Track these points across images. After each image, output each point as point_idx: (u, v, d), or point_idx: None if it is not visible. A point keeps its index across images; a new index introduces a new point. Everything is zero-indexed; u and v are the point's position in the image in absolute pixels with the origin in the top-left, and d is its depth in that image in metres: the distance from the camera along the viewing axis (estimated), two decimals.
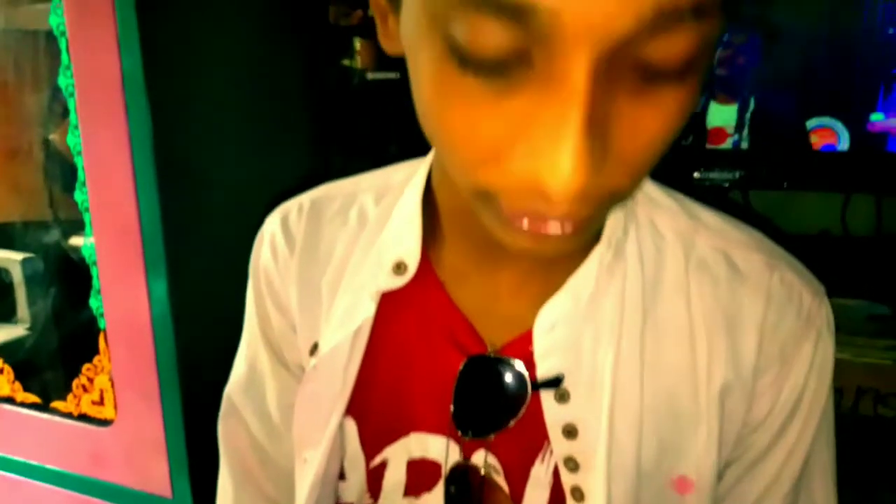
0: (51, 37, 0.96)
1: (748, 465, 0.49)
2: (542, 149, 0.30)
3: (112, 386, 1.05)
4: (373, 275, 0.53)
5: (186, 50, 0.96)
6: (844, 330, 0.76)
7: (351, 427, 0.54)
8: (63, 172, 1.04)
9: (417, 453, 0.53)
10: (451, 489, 0.51)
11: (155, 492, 1.05)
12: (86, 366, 1.06)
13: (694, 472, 0.47)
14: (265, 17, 1.12)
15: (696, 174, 1.06)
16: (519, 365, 0.49)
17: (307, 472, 0.55)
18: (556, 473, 0.49)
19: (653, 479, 0.47)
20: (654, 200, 0.51)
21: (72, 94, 0.95)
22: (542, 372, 0.48)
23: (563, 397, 0.48)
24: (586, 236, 0.37)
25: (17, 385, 1.15)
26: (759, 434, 0.49)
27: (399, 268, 0.51)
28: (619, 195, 0.35)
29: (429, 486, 0.53)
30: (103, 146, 0.93)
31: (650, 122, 0.31)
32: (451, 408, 0.51)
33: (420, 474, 0.53)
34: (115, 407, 1.05)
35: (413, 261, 0.51)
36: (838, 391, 0.77)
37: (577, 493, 0.47)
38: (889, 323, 0.77)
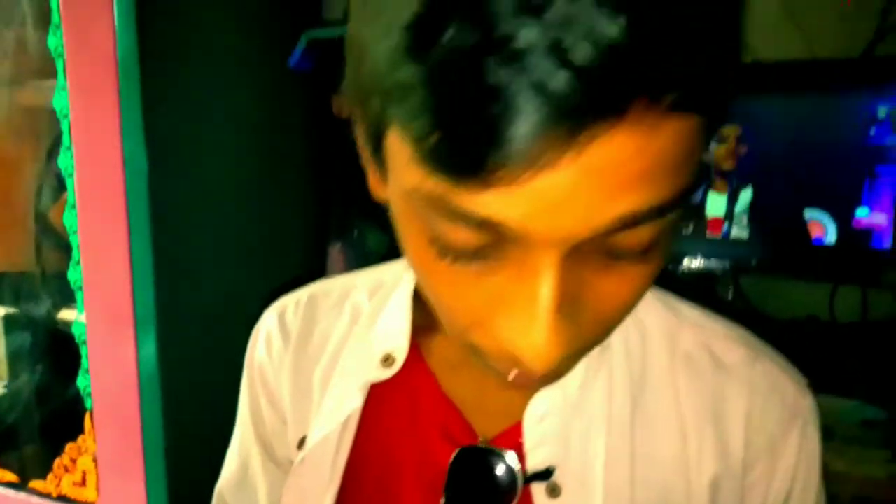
0: (53, 115, 0.97)
1: None
2: (518, 325, 0.32)
3: (96, 467, 1.02)
4: (362, 367, 0.53)
5: (189, 139, 0.97)
6: (839, 437, 0.76)
7: None
8: (57, 249, 1.04)
9: None
10: None
11: None
12: (69, 445, 1.04)
13: None
14: (270, 107, 1.13)
15: (691, 261, 1.08)
16: (510, 456, 0.48)
17: None
18: None
19: None
20: None
21: (71, 175, 0.95)
22: (534, 463, 0.48)
23: (554, 491, 0.47)
24: (564, 373, 0.39)
25: None
26: None
27: (387, 360, 0.52)
28: (592, 345, 0.37)
29: None
30: (100, 228, 0.93)
31: (617, 290, 0.34)
32: (443, 500, 0.50)
33: None
34: (98, 489, 1.02)
35: (401, 354, 0.52)
36: (833, 499, 0.78)
37: None
38: (884, 429, 0.78)
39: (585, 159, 0.27)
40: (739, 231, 1.05)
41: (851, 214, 1.01)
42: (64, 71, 0.92)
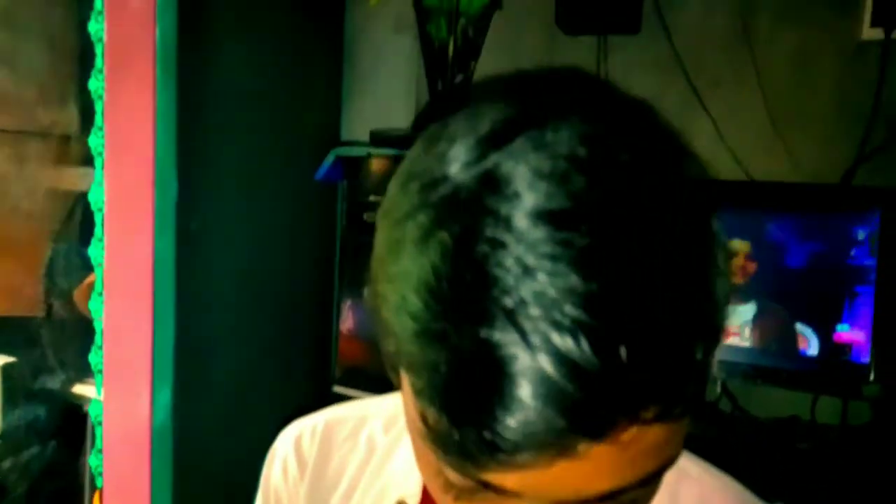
0: (87, 204, 1.03)
1: None
2: None
3: None
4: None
5: (213, 240, 1.03)
6: None
7: None
8: (79, 331, 1.09)
9: None
10: None
11: None
12: None
13: None
14: (292, 212, 1.20)
15: None
16: None
17: None
18: None
19: None
20: None
21: (100, 265, 1.00)
22: None
23: None
24: None
25: None
26: None
27: None
28: None
29: None
30: (126, 318, 0.98)
31: None
32: None
33: None
34: None
35: (413, 501, 0.54)
36: None
37: None
38: None
39: (571, 461, 0.30)
40: (740, 340, 1.12)
41: (832, 329, 1.08)
42: (102, 167, 0.98)
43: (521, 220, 0.29)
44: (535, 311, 0.29)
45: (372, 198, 1.02)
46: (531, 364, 0.29)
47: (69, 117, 1.11)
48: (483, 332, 0.29)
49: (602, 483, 0.32)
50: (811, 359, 1.08)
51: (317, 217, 1.31)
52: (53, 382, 1.17)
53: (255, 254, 1.14)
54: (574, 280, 0.29)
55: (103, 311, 1.00)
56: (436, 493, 0.38)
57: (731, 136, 1.22)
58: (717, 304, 0.32)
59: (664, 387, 0.30)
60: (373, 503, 0.57)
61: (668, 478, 0.55)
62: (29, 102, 1.14)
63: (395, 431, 0.60)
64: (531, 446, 0.30)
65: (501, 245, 0.29)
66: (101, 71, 0.98)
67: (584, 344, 0.28)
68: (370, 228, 0.92)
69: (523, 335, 0.29)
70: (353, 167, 1.04)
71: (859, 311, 1.07)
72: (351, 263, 1.09)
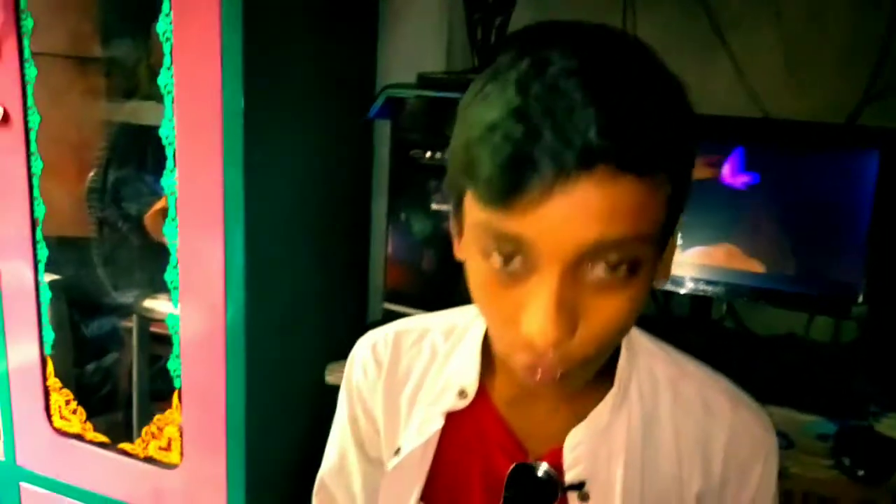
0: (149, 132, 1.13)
1: None
2: (530, 316, 0.50)
3: (181, 436, 1.21)
4: (442, 397, 0.70)
5: (277, 167, 1.14)
6: (798, 447, 0.96)
7: None
8: (155, 252, 1.21)
9: None
10: None
11: None
12: (157, 416, 1.23)
13: None
14: (337, 143, 1.30)
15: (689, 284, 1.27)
16: (553, 471, 0.66)
17: None
18: None
19: None
20: (651, 352, 0.70)
21: (173, 194, 1.12)
22: (570, 478, 0.66)
23: (584, 498, 0.65)
24: (576, 382, 0.56)
25: (88, 425, 1.31)
26: None
27: (462, 394, 0.69)
28: (589, 360, 0.54)
29: None
30: (199, 241, 1.11)
31: (609, 310, 0.51)
32: (502, 500, 0.69)
33: None
34: (182, 454, 1.22)
35: (472, 390, 0.69)
36: (787, 493, 0.98)
37: None
38: (832, 441, 0.98)
39: (569, 198, 0.45)
40: (747, 265, 1.24)
41: (830, 257, 1.20)
42: (172, 104, 1.08)
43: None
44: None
45: (416, 136, 1.12)
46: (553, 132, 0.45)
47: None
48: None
49: (590, 230, 0.46)
50: (809, 282, 1.20)
51: (357, 153, 1.42)
52: (127, 297, 1.31)
53: (308, 185, 1.25)
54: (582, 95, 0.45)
55: (178, 235, 1.13)
56: (483, 280, 0.53)
57: (749, 75, 1.30)
58: (691, 117, 0.49)
59: (635, 147, 0.45)
60: (438, 394, 0.72)
61: (673, 374, 0.69)
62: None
63: (453, 340, 0.75)
64: (544, 179, 0.45)
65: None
66: (168, 14, 1.06)
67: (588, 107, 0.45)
68: (415, 163, 1.08)
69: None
70: (400, 107, 1.14)
71: (854, 242, 1.18)
72: (397, 195, 1.20)
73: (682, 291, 1.28)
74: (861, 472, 0.89)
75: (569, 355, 0.51)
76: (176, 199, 1.12)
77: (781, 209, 1.21)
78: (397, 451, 0.72)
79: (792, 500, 0.97)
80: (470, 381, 0.69)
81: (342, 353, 1.24)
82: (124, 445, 1.28)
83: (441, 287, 1.17)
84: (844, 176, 1.16)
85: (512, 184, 0.46)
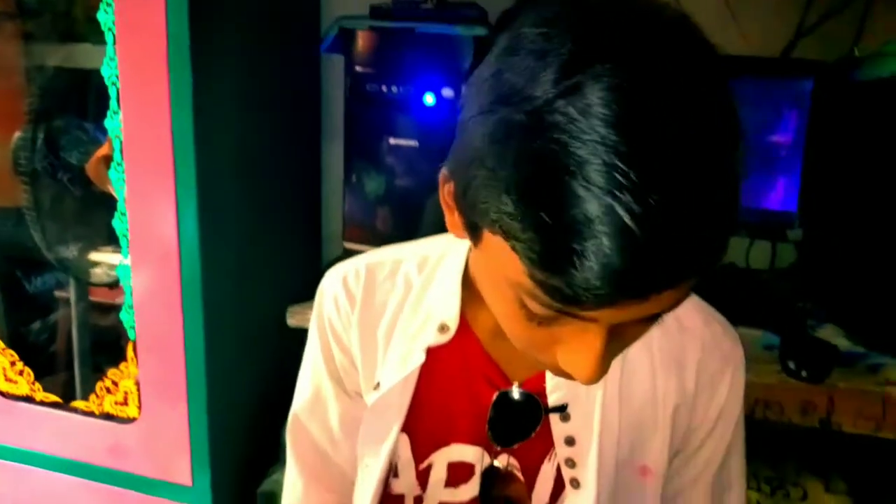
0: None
1: (689, 454, 0.72)
2: (577, 359, 0.49)
3: (137, 389, 1.19)
4: (422, 331, 0.70)
5: (225, 109, 1.10)
6: (748, 358, 1.02)
7: (404, 440, 0.72)
8: (99, 203, 1.17)
9: (456, 458, 0.72)
10: (484, 482, 0.72)
11: (175, 481, 1.20)
12: (111, 370, 1.20)
13: (652, 464, 0.69)
14: (288, 83, 1.27)
15: None
16: (536, 397, 0.69)
17: (368, 474, 0.73)
18: (558, 470, 0.69)
19: (625, 469, 0.69)
20: None
21: (118, 137, 1.08)
22: (552, 401, 0.68)
23: (565, 418, 0.68)
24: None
25: (38, 386, 1.26)
26: (697, 434, 0.71)
27: (443, 328, 0.69)
28: None
29: (465, 480, 0.72)
30: (147, 186, 1.07)
31: (640, 331, 0.52)
32: (487, 427, 0.70)
33: (458, 472, 0.72)
34: (140, 407, 1.19)
35: (454, 324, 0.69)
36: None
37: (575, 482, 0.68)
38: (778, 350, 1.04)
39: (644, 301, 0.43)
40: None
41: (769, 182, 1.26)
42: (114, 43, 1.04)
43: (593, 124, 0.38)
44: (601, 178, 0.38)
45: (372, 69, 1.11)
46: (611, 219, 0.38)
47: None
48: (570, 200, 0.39)
49: (653, 309, 0.45)
50: (748, 209, 1.27)
51: (307, 91, 1.40)
52: (71, 251, 1.26)
53: (259, 123, 1.22)
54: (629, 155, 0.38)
55: (124, 180, 1.09)
56: (514, 321, 0.51)
57: (688, 12, 1.33)
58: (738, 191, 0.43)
59: (690, 270, 0.42)
60: (417, 329, 0.72)
61: None
62: None
63: (427, 271, 0.74)
64: (611, 295, 0.41)
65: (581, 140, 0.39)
66: None
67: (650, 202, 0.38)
68: (371, 98, 1.07)
69: (601, 194, 0.38)
70: (353, 39, 1.12)
71: (789, 170, 1.24)
72: (353, 132, 1.19)
73: None
74: (804, 373, 0.95)
75: (604, 374, 0.51)
76: (121, 143, 1.07)
77: None
78: (377, 386, 0.72)
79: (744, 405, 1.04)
80: (451, 315, 0.69)
81: (302, 296, 1.24)
82: (77, 403, 1.24)
83: (403, 223, 1.18)
84: (780, 107, 1.22)
85: (597, 298, 0.41)
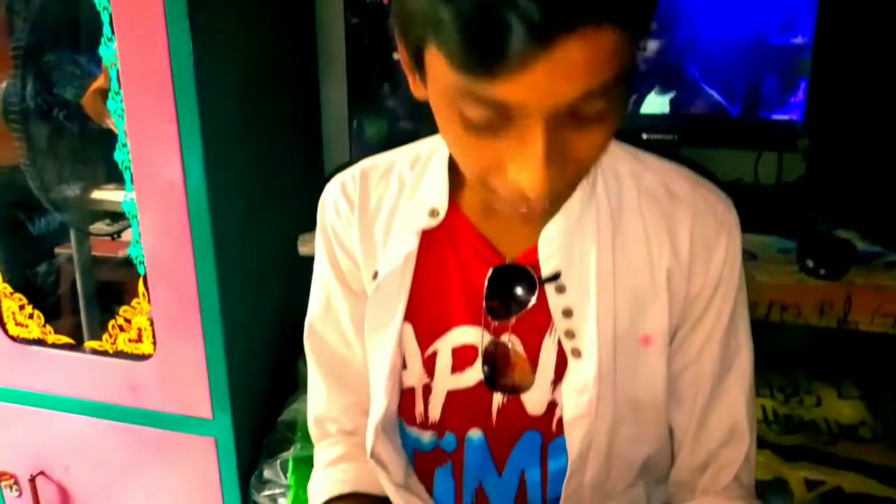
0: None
1: (692, 325, 0.72)
2: (522, 170, 0.52)
3: (151, 325, 1.18)
4: (414, 218, 0.72)
5: (227, 31, 1.07)
6: (761, 258, 1.02)
7: (408, 330, 0.74)
8: (99, 137, 1.14)
9: (459, 341, 0.73)
10: (486, 361, 0.72)
11: (195, 415, 1.20)
12: (123, 307, 1.19)
13: (653, 332, 0.70)
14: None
15: (644, 135, 1.29)
16: (530, 268, 0.69)
17: (378, 368, 0.74)
18: (559, 344, 0.70)
19: (626, 339, 0.69)
20: (613, 152, 0.72)
21: (113, 65, 1.05)
22: (546, 272, 0.69)
23: (561, 290, 0.69)
24: (555, 206, 0.60)
25: (49, 328, 1.25)
26: (697, 303, 0.71)
27: (433, 213, 0.71)
28: (573, 184, 0.59)
29: (469, 363, 0.73)
30: (149, 111, 1.05)
31: (588, 144, 0.54)
32: (484, 304, 0.71)
33: (462, 356, 0.73)
34: (154, 343, 1.19)
35: (442, 207, 0.71)
36: (754, 303, 1.04)
37: (576, 352, 0.69)
38: (794, 253, 1.04)
39: (552, 59, 0.45)
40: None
41: (779, 91, 1.25)
42: None
43: None
44: None
45: None
46: None
47: None
48: None
49: (575, 85, 0.47)
50: (755, 120, 1.25)
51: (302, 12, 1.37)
52: (73, 190, 1.24)
53: (257, 45, 1.19)
54: None
55: (124, 109, 1.06)
56: (459, 138, 0.54)
57: None
58: None
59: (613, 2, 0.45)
60: (410, 218, 0.74)
61: (635, 168, 0.72)
62: None
63: (419, 168, 0.77)
64: (527, 45, 0.44)
65: None
66: None
67: None
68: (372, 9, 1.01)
69: None
70: None
71: (796, 78, 1.23)
72: (354, 46, 1.17)
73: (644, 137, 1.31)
74: (823, 271, 0.95)
75: (554, 193, 0.53)
76: (118, 71, 1.04)
77: (725, 48, 1.24)
78: (375, 275, 0.74)
79: (757, 309, 1.04)
80: (439, 199, 0.71)
81: (310, 226, 1.23)
82: (91, 343, 1.24)
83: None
84: (786, 13, 1.20)
85: (491, 51, 0.45)
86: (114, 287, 1.27)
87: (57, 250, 1.27)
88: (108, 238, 1.32)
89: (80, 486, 1.34)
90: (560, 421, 0.72)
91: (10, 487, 1.37)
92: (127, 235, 1.21)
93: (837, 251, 0.98)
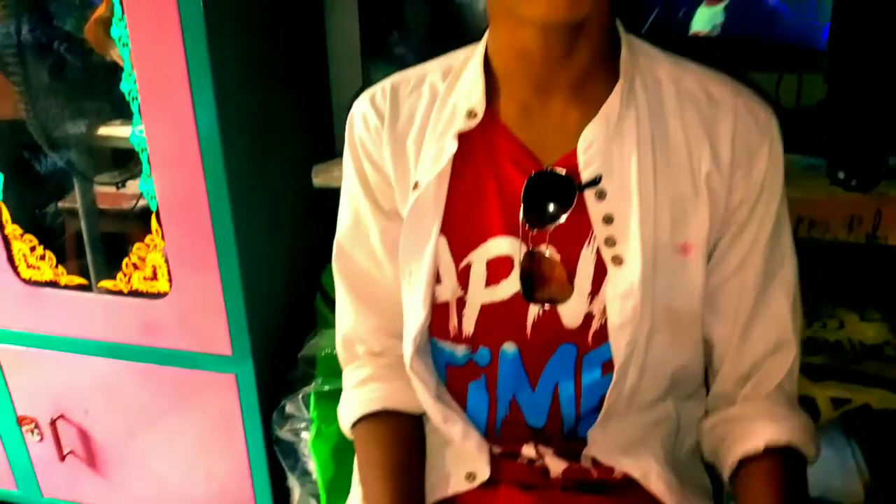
0: None
1: (734, 235, 0.70)
2: None
3: (166, 262, 1.16)
4: (450, 124, 0.70)
5: None
6: (791, 175, 0.99)
7: (443, 243, 0.72)
8: (105, 68, 1.10)
9: (494, 253, 0.71)
10: (522, 273, 0.70)
11: (215, 352, 1.19)
12: (136, 245, 1.17)
13: (692, 240, 0.68)
14: None
15: None
16: (568, 174, 0.67)
17: (415, 282, 0.72)
18: (598, 254, 0.68)
19: (665, 247, 0.68)
20: (651, 55, 0.71)
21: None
22: (586, 177, 0.67)
23: (601, 195, 0.67)
24: (578, 10, 0.57)
25: (61, 269, 1.23)
26: (739, 212, 0.69)
27: (471, 114, 0.69)
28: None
29: (505, 276, 0.71)
30: (152, 40, 1.01)
31: None
32: (521, 214, 0.69)
33: (497, 268, 0.71)
34: (170, 280, 1.17)
35: (481, 108, 0.69)
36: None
37: (617, 259, 0.67)
38: (822, 170, 1.02)
39: None
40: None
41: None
42: None
43: None
44: None
45: None
46: None
47: None
48: None
49: None
50: (781, 36, 1.21)
51: None
52: (78, 127, 1.21)
53: None
54: None
55: (129, 35, 1.02)
56: None
57: None
58: None
59: None
60: (445, 125, 0.71)
61: (675, 72, 0.69)
62: None
63: (451, 78, 0.74)
64: None
65: None
66: None
67: None
68: None
69: None
70: None
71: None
72: None
73: None
74: (854, 182, 0.93)
75: None
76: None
77: None
78: (415, 186, 0.72)
79: None
80: (477, 99, 0.69)
81: (326, 154, 1.20)
82: (105, 283, 1.22)
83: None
84: None
85: None
86: (123, 233, 1.25)
87: (66, 191, 1.24)
88: (113, 187, 1.29)
89: (101, 429, 1.34)
90: (596, 334, 0.71)
91: (32, 432, 1.37)
92: (133, 188, 1.19)
93: (869, 162, 0.95)
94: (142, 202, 1.14)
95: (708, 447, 0.77)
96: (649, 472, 0.74)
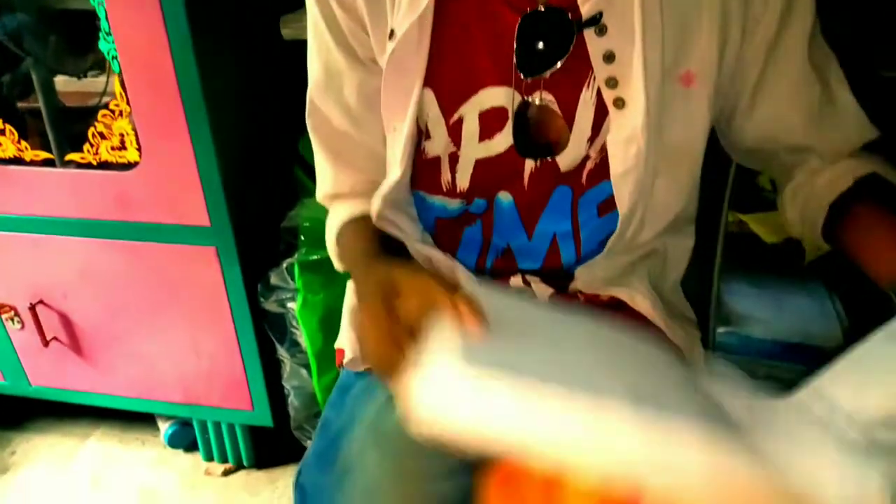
0: None
1: (775, 29, 0.63)
2: None
3: (134, 129, 1.10)
4: None
5: None
6: None
7: (430, 95, 0.66)
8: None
9: (487, 104, 0.66)
10: (517, 123, 0.66)
11: (193, 223, 1.15)
12: (101, 112, 1.10)
13: (696, 67, 0.63)
14: None
15: None
16: (566, 11, 0.61)
17: (398, 137, 0.68)
18: (598, 95, 0.63)
19: (668, 81, 0.63)
20: None
21: None
22: (585, 13, 0.61)
23: (601, 31, 0.61)
24: None
25: (24, 144, 1.17)
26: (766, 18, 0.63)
27: None
28: None
29: (499, 129, 0.67)
30: None
31: None
32: (514, 58, 0.63)
33: (490, 121, 0.67)
34: (139, 149, 1.11)
35: None
36: None
37: (619, 102, 0.62)
38: None
39: None
40: None
41: None
42: None
43: None
44: None
45: None
46: None
47: None
48: None
49: None
50: None
51: None
52: None
53: None
54: None
55: None
56: None
57: None
58: None
59: None
60: None
61: None
62: None
63: None
64: None
65: None
66: None
67: None
68: None
69: None
70: None
71: None
72: None
73: None
74: None
75: None
76: None
77: None
78: (391, 35, 0.64)
79: None
80: None
81: (295, 4, 1.11)
82: (72, 156, 1.16)
83: None
84: None
85: None
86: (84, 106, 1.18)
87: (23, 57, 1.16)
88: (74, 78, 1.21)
89: (82, 312, 1.31)
90: (590, 173, 0.68)
91: (12, 320, 1.34)
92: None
93: None
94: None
95: (794, 211, 0.72)
96: (635, 295, 0.73)
